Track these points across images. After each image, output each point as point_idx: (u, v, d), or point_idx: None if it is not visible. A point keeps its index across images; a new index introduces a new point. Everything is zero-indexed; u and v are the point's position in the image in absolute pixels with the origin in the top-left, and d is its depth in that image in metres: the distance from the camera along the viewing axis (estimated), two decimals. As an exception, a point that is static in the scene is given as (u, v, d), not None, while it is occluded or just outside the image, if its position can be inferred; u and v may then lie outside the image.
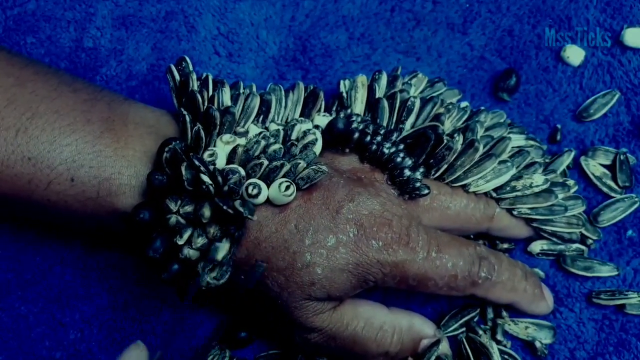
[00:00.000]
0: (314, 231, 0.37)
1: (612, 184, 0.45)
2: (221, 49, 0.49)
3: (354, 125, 0.40)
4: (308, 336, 0.39)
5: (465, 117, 0.43)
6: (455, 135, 0.40)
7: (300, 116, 0.41)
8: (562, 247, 0.44)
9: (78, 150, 0.37)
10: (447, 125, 0.42)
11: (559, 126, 0.47)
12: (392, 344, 0.40)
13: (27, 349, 0.45)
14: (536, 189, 0.42)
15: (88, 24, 0.49)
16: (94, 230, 0.43)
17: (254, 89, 0.42)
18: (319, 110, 0.42)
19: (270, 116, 0.40)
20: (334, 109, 0.43)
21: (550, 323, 0.44)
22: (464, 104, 0.45)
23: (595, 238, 0.44)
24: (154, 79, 0.49)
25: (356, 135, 0.39)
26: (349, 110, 0.42)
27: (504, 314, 0.44)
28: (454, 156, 0.40)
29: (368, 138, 0.39)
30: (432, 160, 0.40)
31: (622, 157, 0.45)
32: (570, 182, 0.44)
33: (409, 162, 0.40)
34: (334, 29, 0.49)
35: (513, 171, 0.41)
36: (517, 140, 0.44)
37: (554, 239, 0.44)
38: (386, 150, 0.39)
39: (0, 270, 0.46)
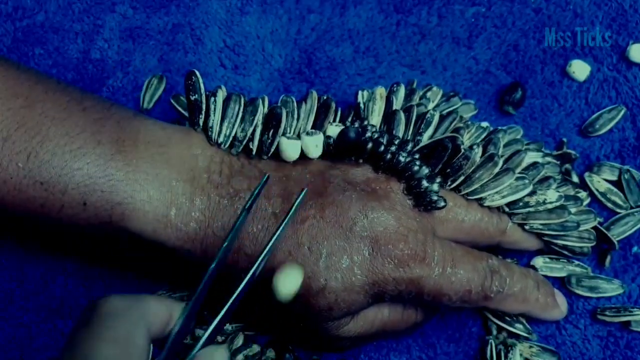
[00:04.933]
0: (327, 253, 0.37)
1: (617, 199, 0.45)
2: (227, 61, 0.49)
3: (368, 134, 0.39)
4: (339, 344, 0.40)
5: (484, 135, 0.43)
6: (474, 146, 0.40)
7: (312, 127, 0.41)
8: (567, 267, 0.44)
9: (89, 175, 0.36)
10: (466, 141, 0.42)
11: (564, 140, 0.47)
12: (418, 314, 0.41)
13: (28, 358, 0.45)
14: (549, 206, 0.41)
15: (96, 36, 0.50)
16: (107, 244, 0.43)
17: (266, 101, 0.41)
18: (332, 121, 0.41)
19: (281, 129, 0.40)
20: (349, 119, 0.42)
21: (554, 349, 0.43)
22: (484, 124, 0.44)
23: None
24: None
25: (369, 144, 0.39)
26: (365, 122, 0.41)
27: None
28: (472, 168, 0.40)
29: (382, 148, 0.39)
30: (448, 170, 0.40)
31: (626, 176, 0.45)
32: (583, 194, 0.44)
33: (425, 170, 0.39)
34: (340, 43, 0.49)
35: (530, 188, 0.41)
36: (534, 157, 0.43)
37: (565, 252, 0.44)
38: (402, 159, 0.39)
39: (3, 280, 0.46)
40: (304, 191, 0.37)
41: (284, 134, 0.40)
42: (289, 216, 0.36)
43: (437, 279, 0.38)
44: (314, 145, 0.39)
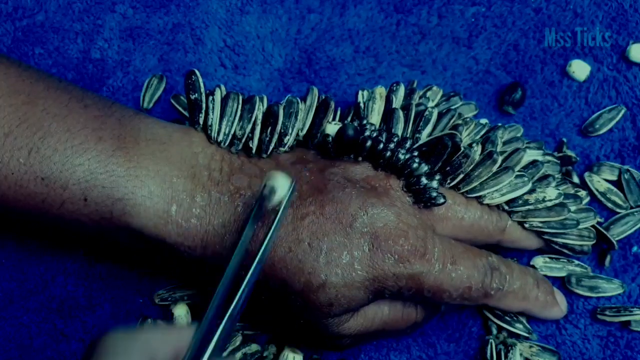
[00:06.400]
0: (327, 249, 0.37)
1: (617, 199, 0.45)
2: (227, 61, 0.49)
3: (367, 133, 0.40)
4: (339, 342, 0.40)
5: (483, 132, 0.43)
6: (474, 144, 0.40)
7: (311, 125, 0.41)
8: (567, 266, 0.44)
9: (90, 171, 0.37)
10: (465, 138, 0.42)
11: (564, 140, 0.47)
12: (418, 313, 0.41)
13: (28, 358, 0.45)
14: (549, 204, 0.41)
15: (96, 36, 0.50)
16: (108, 244, 0.43)
17: (265, 100, 0.41)
18: (331, 120, 0.41)
19: (278, 127, 0.40)
20: (349, 118, 0.42)
21: (554, 349, 0.43)
22: (483, 120, 0.44)
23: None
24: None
25: (369, 142, 0.39)
26: (364, 121, 0.41)
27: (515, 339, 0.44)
28: (472, 166, 0.40)
29: (381, 145, 0.39)
30: (448, 168, 0.40)
31: (626, 176, 0.45)
32: (582, 193, 0.44)
33: (425, 168, 0.39)
34: (340, 42, 0.49)
35: (529, 186, 0.41)
36: (534, 155, 0.43)
37: (565, 250, 0.44)
38: (401, 156, 0.39)
39: (4, 279, 0.46)
40: (292, 185, 0.35)
41: (284, 132, 0.40)
42: (280, 212, 0.35)
43: (437, 275, 0.38)
44: None
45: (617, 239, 0.44)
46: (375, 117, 0.42)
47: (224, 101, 0.40)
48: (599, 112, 0.47)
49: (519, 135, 0.44)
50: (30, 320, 0.45)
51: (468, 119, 0.43)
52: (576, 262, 0.44)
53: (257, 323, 0.44)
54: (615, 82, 0.47)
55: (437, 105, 0.45)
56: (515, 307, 0.41)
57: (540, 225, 0.42)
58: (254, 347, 0.43)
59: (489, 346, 0.43)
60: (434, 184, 0.39)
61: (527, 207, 0.41)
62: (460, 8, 0.49)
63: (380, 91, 0.42)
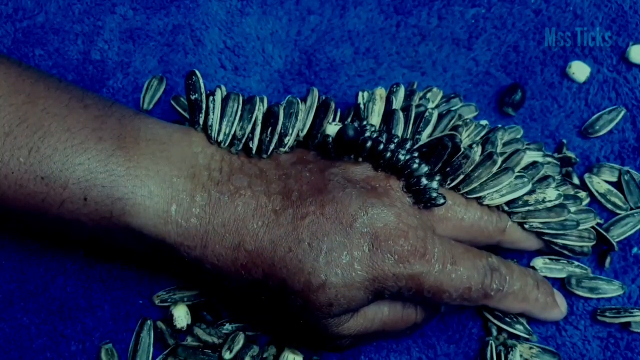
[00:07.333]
0: (327, 249, 0.37)
1: (617, 200, 0.45)
2: (227, 62, 0.49)
3: (367, 134, 0.40)
4: (339, 343, 0.40)
5: (483, 133, 0.43)
6: (474, 145, 0.40)
7: (311, 126, 0.41)
8: (567, 268, 0.44)
9: (90, 170, 0.37)
10: (465, 139, 0.42)
11: (564, 141, 0.47)
12: (417, 314, 0.41)
13: (28, 360, 0.45)
14: (549, 204, 0.41)
15: (96, 37, 0.50)
16: (107, 245, 0.43)
17: (265, 100, 0.42)
18: (331, 121, 0.41)
19: (279, 127, 0.40)
20: (349, 119, 0.43)
21: (554, 350, 0.43)
22: (483, 121, 0.44)
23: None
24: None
25: (369, 143, 0.39)
26: (364, 122, 0.41)
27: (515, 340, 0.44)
28: (472, 167, 0.40)
29: (381, 146, 0.39)
30: (448, 169, 0.40)
31: (626, 177, 0.45)
32: (582, 194, 0.44)
33: (425, 168, 0.39)
34: (340, 44, 0.49)
35: (529, 187, 0.41)
36: (534, 156, 0.43)
37: (565, 251, 0.44)
38: (401, 157, 0.39)
39: (4, 280, 0.46)
40: None
41: (285, 133, 0.40)
42: None
43: (437, 276, 0.38)
44: None
45: (617, 240, 0.44)
46: (375, 118, 0.42)
47: (225, 101, 0.40)
48: (598, 114, 0.47)
49: (518, 136, 0.44)
50: (30, 321, 0.45)
51: (468, 120, 0.43)
52: (576, 263, 0.44)
53: (257, 324, 0.44)
54: (615, 83, 0.47)
55: (437, 106, 0.45)
56: (515, 308, 0.41)
57: (540, 226, 0.42)
58: (255, 348, 0.43)
59: (489, 347, 0.43)
60: (434, 184, 0.39)
61: (527, 207, 0.41)
62: (460, 9, 0.49)
63: (380, 92, 0.43)
